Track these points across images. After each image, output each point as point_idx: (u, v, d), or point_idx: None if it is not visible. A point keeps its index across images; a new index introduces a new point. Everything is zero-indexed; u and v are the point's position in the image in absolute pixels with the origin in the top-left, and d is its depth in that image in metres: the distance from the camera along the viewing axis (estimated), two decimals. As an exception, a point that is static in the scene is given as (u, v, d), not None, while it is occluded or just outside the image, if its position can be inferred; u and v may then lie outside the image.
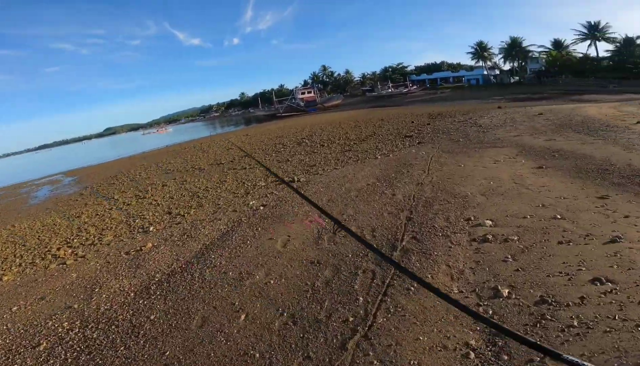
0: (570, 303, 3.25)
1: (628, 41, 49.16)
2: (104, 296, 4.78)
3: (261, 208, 7.43)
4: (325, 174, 9.61)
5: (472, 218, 4.90)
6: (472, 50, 62.61)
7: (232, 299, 4.24)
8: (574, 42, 54.00)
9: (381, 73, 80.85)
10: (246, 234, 6.09)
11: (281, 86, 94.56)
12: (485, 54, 61.68)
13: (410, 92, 56.58)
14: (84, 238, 7.99)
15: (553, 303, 3.29)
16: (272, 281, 4.47)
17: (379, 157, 10.52)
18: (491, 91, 50.66)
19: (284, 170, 11.30)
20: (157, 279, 5.06)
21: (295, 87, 61.38)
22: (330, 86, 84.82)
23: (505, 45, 58.13)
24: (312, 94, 56.66)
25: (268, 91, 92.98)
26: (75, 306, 4.63)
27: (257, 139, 23.34)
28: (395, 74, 76.91)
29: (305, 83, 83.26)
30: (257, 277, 4.64)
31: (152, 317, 4.09)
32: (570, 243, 4.00)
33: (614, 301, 3.20)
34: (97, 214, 10.08)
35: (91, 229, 8.67)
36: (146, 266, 5.63)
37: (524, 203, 5.20)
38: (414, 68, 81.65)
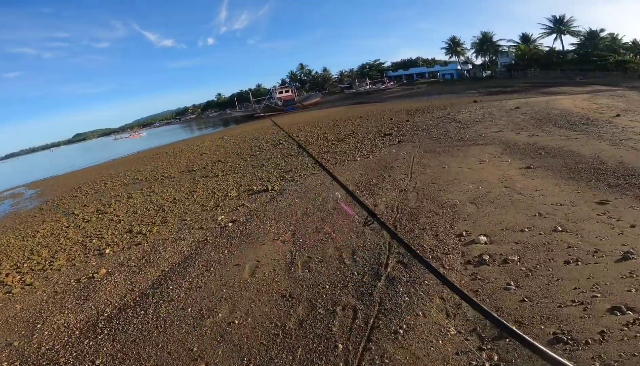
0: (589, 340, 2.71)
1: (592, 34, 50.89)
2: (47, 333, 4.22)
3: (230, 224, 6.62)
4: (301, 180, 8.87)
5: (464, 234, 4.30)
6: (446, 45, 63.34)
7: (189, 344, 3.51)
8: (541, 36, 55.51)
9: (358, 70, 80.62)
10: (211, 258, 5.29)
11: (258, 85, 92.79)
12: (458, 49, 62.54)
13: (387, 89, 56.47)
14: (35, 261, 7.06)
15: (570, 341, 2.73)
16: (237, 321, 3.73)
17: (359, 159, 9.88)
18: (465, 85, 51.36)
19: (258, 177, 10.47)
20: (106, 314, 4.37)
21: (274, 87, 60.14)
22: (309, 84, 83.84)
23: (477, 40, 59.09)
24: (290, 93, 55.56)
25: (245, 91, 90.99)
26: (16, 343, 4.11)
27: (233, 141, 22.29)
28: (372, 71, 76.82)
29: (283, 82, 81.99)
30: (220, 315, 3.89)
31: (97, 362, 3.46)
32: (579, 263, 3.45)
33: (638, 335, 2.67)
34: (53, 233, 8.99)
35: (44, 251, 7.64)
36: (96, 297, 4.91)
37: (518, 211, 4.65)
38: (391, 64, 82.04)
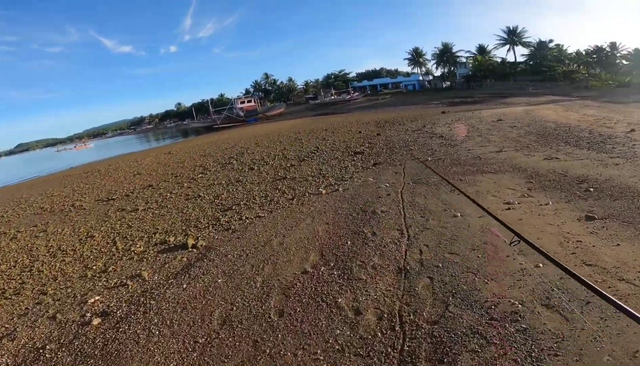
0: None
1: (541, 45, 52.79)
2: None
3: (96, 321, 3.49)
4: (240, 230, 5.84)
5: None
6: (409, 56, 63.42)
7: None
8: (496, 47, 56.99)
9: (324, 80, 78.87)
10: None
11: (221, 95, 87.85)
12: (421, 60, 62.83)
13: (352, 99, 54.87)
14: None
15: None
16: None
17: (324, 191, 7.04)
18: (427, 95, 51.04)
19: (185, 217, 7.28)
20: None
21: (237, 96, 56.13)
22: (274, 94, 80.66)
23: (437, 51, 59.56)
24: (252, 103, 51.95)
25: (207, 100, 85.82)
26: None
27: (179, 158, 18.63)
28: (337, 81, 75.36)
29: (247, 92, 78.13)
30: None
31: None
32: None
33: None
34: None
35: None
36: None
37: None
38: (356, 75, 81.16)
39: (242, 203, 7.54)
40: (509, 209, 4.66)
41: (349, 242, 4.53)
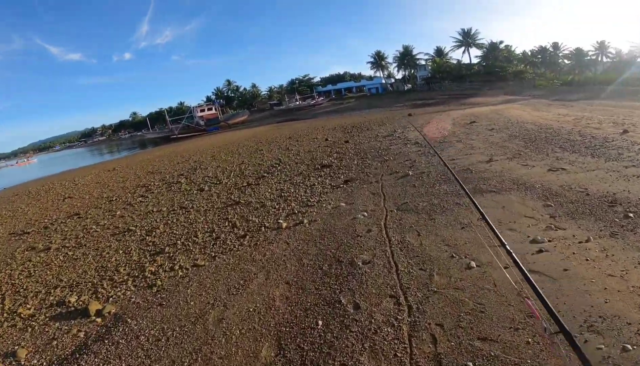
0: None
1: (493, 46, 54.88)
2: None
3: None
4: (167, 289, 4.06)
5: None
6: (372, 59, 63.56)
7: None
8: (452, 49, 58.56)
9: (288, 86, 77.14)
10: None
11: (181, 103, 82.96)
12: (383, 63, 63.19)
13: (317, 104, 53.64)
14: None
15: None
16: None
17: (285, 224, 5.40)
18: (391, 98, 51.09)
19: (103, 261, 5.31)
20: None
21: (197, 104, 52.50)
22: (236, 102, 77.49)
23: (398, 55, 60.16)
24: (213, 111, 48.84)
25: (167, 109, 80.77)
26: None
27: (122, 176, 16.06)
28: (302, 86, 73.89)
29: (208, 99, 74.30)
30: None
31: None
32: None
33: None
34: None
35: None
36: None
37: None
38: (320, 79, 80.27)
39: (179, 241, 5.71)
40: (540, 251, 3.30)
41: (320, 323, 2.93)
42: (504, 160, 6.61)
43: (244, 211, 6.54)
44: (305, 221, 5.33)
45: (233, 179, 9.90)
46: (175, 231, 6.31)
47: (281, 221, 5.52)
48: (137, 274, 4.78)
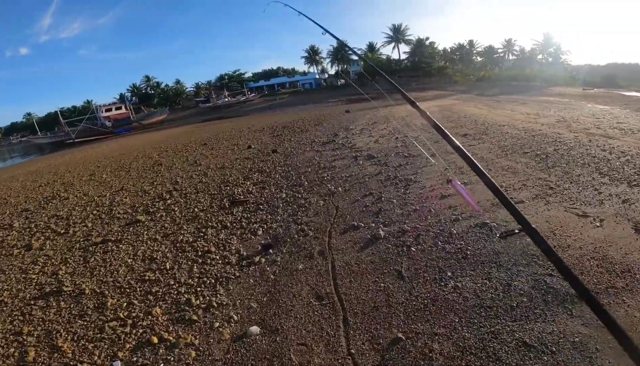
0: None
1: (420, 42, 55.98)
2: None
3: None
4: None
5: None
6: (306, 54, 60.48)
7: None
8: (383, 45, 58.39)
9: (217, 81, 69.85)
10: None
11: (88, 101, 69.76)
12: (317, 58, 60.55)
13: (248, 100, 48.79)
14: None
15: None
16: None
17: None
18: (325, 93, 48.69)
19: None
20: None
21: (102, 104, 43.10)
22: (157, 99, 67.59)
23: (332, 49, 58.08)
24: (123, 111, 40.53)
25: (70, 108, 67.03)
26: None
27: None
28: (232, 82, 67.41)
29: (122, 97, 63.43)
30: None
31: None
32: None
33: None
34: None
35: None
36: None
37: None
38: (252, 75, 74.41)
39: None
40: None
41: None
42: (538, 201, 3.81)
43: (54, 324, 2.67)
44: None
45: (90, 223, 5.70)
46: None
47: None
48: None
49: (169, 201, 6.25)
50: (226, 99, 49.32)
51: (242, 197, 5.73)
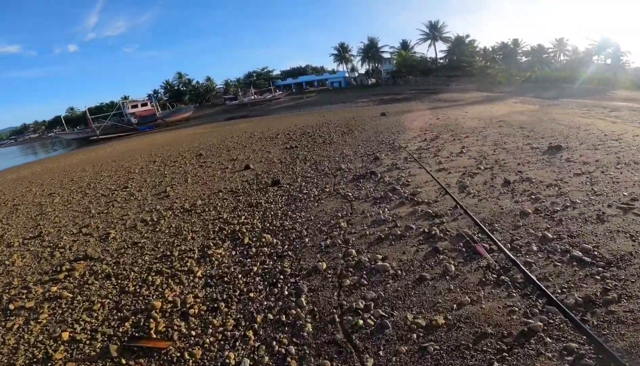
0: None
1: (459, 40, 50.15)
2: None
3: None
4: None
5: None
6: (336, 52, 56.66)
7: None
8: (418, 42, 53.19)
9: (245, 79, 67.76)
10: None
11: (125, 97, 70.48)
12: (347, 55, 56.50)
13: (275, 98, 45.83)
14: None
15: None
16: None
17: None
18: (354, 92, 44.61)
19: None
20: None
21: (129, 100, 41.88)
22: (189, 96, 66.72)
23: (363, 47, 53.79)
24: (149, 107, 38.87)
25: (107, 103, 67.87)
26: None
27: None
28: (260, 80, 65.02)
29: (155, 93, 63.06)
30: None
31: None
32: None
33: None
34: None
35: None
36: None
37: None
38: (280, 72, 71.70)
39: None
40: None
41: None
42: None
43: None
44: None
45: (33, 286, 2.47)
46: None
47: None
48: None
49: (109, 282, 2.90)
50: (252, 97, 46.70)
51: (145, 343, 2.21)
